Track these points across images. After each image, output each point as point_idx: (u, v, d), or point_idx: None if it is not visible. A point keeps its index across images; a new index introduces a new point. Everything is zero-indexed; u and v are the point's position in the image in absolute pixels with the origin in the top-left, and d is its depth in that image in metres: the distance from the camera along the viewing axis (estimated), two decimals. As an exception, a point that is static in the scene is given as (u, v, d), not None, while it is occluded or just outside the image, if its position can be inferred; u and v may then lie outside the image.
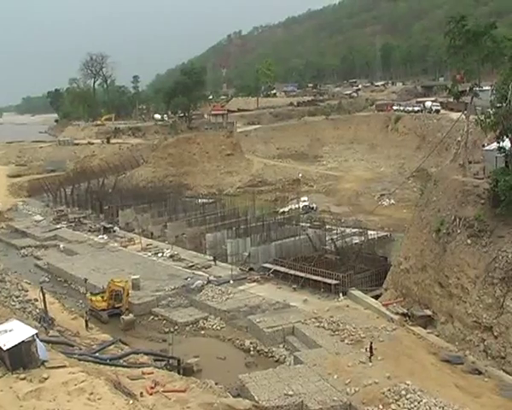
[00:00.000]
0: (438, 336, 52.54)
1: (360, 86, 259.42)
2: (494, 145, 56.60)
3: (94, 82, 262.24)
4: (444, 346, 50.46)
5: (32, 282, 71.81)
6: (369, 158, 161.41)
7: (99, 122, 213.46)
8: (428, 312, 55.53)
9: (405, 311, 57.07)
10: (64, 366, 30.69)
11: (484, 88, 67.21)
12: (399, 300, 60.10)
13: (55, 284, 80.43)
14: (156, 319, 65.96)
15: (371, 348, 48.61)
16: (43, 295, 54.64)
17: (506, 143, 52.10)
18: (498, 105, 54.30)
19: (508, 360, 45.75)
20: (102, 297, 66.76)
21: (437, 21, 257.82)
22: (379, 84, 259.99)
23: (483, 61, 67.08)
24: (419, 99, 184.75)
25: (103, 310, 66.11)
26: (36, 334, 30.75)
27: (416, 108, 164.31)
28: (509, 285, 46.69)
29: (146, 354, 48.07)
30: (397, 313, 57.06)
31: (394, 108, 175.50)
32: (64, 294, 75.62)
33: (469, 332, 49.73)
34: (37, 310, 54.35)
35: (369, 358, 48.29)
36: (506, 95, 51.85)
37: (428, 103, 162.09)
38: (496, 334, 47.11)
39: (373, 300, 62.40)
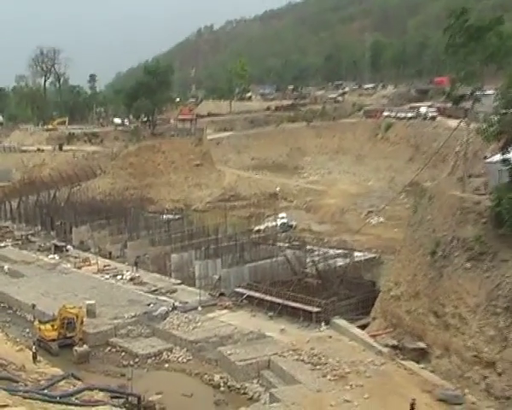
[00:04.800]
0: (432, 371, 52.52)
1: (347, 89, 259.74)
2: (497, 157, 56.87)
3: (45, 80, 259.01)
4: (439, 383, 50.36)
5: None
6: (355, 170, 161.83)
7: (50, 126, 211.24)
8: (422, 344, 55.61)
9: (396, 343, 57.18)
10: (6, 406, 30.30)
11: (487, 92, 67.48)
12: (389, 330, 60.20)
13: (-2, 311, 79.84)
14: (114, 350, 65.58)
15: (413, 407, 45.70)
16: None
17: (511, 155, 52.37)
18: (503, 112, 54.49)
19: (513, 400, 45.70)
20: (53, 326, 66.19)
21: (434, 16, 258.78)
22: (368, 87, 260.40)
23: (487, 61, 66.81)
24: (413, 104, 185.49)
25: (53, 340, 65.53)
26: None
27: (410, 115, 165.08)
28: (514, 315, 46.78)
29: (102, 390, 47.55)
30: (386, 346, 57.15)
31: (385, 114, 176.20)
32: (8, 322, 75.05)
33: (468, 368, 49.70)
34: (-23, 341, 53.76)
35: None
36: (512, 100, 52.13)
37: (423, 109, 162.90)
38: (499, 371, 47.03)
39: (359, 330, 62.49)
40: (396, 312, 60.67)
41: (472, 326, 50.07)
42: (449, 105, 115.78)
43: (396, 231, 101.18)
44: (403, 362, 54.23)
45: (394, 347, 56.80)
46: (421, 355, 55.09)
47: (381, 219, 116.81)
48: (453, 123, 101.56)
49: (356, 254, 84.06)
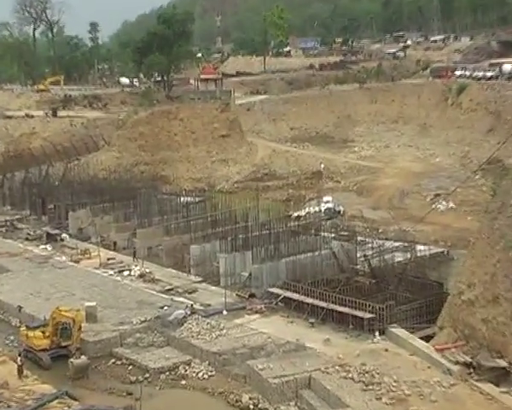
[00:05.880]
0: (516, 397, 52.18)
1: (409, 42, 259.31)
2: None
3: (34, 29, 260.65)
4: (525, 412, 50.07)
5: None
6: (419, 144, 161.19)
7: (41, 87, 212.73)
8: (502, 362, 55.15)
9: (469, 360, 56.82)
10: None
11: None
12: (460, 343, 59.92)
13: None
14: (119, 363, 65.63)
15: None
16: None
17: None
18: None
19: None
20: (44, 332, 66.42)
21: None
22: (436, 39, 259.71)
23: None
24: (494, 61, 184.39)
25: (44, 350, 65.72)
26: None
27: (490, 74, 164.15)
28: None
29: (103, 412, 48.00)
30: (456, 363, 56.83)
31: (457, 73, 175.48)
32: (-12, 327, 75.68)
33: None
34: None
35: None
36: None
37: (508, 67, 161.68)
38: None
39: (422, 342, 62.24)
40: (469, 320, 60.33)
41: None
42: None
43: (470, 220, 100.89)
44: (478, 384, 53.85)
45: (467, 364, 56.41)
46: (501, 376, 54.67)
47: (452, 205, 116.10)
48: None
49: (419, 247, 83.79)
